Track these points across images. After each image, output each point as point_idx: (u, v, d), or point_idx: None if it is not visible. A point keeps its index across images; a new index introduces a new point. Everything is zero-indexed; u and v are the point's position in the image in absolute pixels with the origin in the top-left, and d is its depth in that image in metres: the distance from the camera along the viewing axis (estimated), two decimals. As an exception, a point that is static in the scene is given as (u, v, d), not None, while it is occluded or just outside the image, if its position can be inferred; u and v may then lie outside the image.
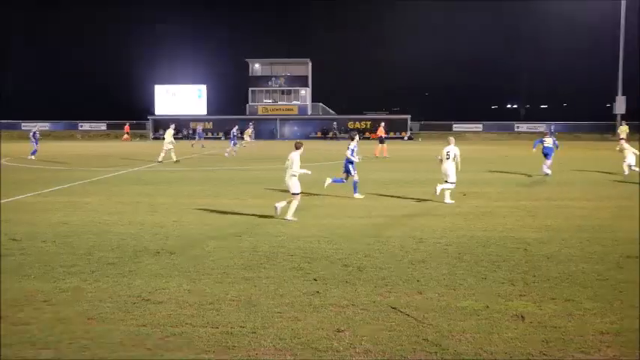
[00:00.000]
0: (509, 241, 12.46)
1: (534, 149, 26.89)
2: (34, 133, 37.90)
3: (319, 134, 76.57)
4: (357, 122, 75.84)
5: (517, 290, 9.09)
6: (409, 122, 76.76)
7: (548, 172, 25.32)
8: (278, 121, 78.95)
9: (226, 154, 40.05)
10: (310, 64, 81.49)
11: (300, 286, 9.35)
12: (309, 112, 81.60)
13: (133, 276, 9.93)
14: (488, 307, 8.29)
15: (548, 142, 25.92)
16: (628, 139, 36.01)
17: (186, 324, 7.71)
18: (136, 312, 8.17)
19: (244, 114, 79.16)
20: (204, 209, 16.70)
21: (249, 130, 47.22)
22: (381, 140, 39.02)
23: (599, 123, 76.17)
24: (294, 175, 15.06)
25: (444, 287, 9.25)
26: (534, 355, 6.75)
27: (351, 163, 19.13)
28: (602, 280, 9.61)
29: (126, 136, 72.41)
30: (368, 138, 66.82)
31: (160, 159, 34.10)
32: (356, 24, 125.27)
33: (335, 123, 74.24)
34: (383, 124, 40.52)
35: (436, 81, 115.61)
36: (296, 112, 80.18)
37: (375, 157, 37.43)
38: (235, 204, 17.71)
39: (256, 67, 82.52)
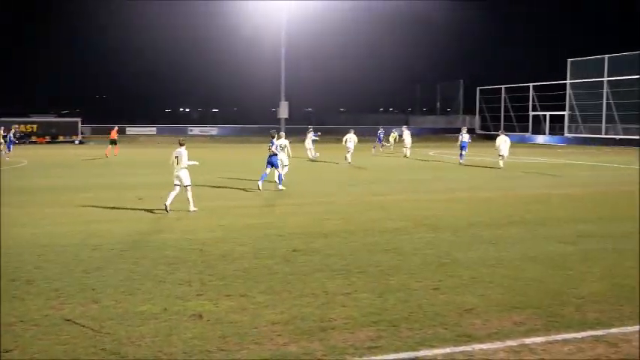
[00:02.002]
0: (185, 243, 12.65)
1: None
2: None
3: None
4: (22, 125, 70.51)
5: (194, 290, 9.27)
6: (80, 126, 73.61)
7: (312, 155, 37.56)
8: None
9: (7, 158, 37.74)
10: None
11: (-41, 306, 8.45)
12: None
13: None
14: (166, 309, 8.33)
15: (309, 136, 38.28)
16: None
17: None
18: None
19: None
20: None
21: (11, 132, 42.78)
22: (113, 142, 42.49)
23: (266, 126, 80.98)
24: (185, 168, 16.74)
25: (120, 294, 9.07)
26: (212, 351, 6.94)
27: (276, 155, 21.59)
28: (272, 274, 10.24)
29: None
30: (35, 142, 62.86)
31: None
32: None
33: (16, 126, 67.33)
34: (116, 127, 44.47)
35: (109, 84, 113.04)
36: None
37: (106, 157, 40.27)
38: None
39: None
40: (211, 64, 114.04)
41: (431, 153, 46.54)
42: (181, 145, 17.00)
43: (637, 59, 63.49)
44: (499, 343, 7.23)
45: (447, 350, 7.01)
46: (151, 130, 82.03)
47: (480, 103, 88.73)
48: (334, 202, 19.13)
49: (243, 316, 8.09)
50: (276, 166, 21.79)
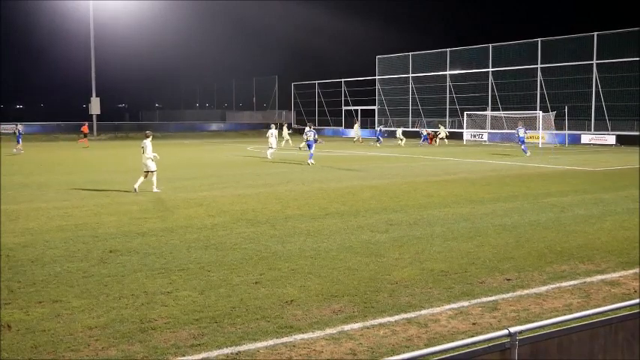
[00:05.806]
0: (-11, 249, 11.78)
1: None
2: None
3: None
4: None
5: (2, 300, 8.65)
6: None
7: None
8: None
9: None
10: None
11: None
12: None
13: None
14: (-31, 322, 7.72)
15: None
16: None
17: None
18: None
19: None
20: None
21: None
22: None
23: (77, 123, 77.55)
24: (150, 157, 19.88)
25: None
26: (24, 362, 6.55)
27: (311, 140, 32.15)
28: (87, 277, 9.82)
29: None
30: None
31: None
32: None
33: None
34: None
35: None
36: None
37: None
38: None
39: None
40: (13, 58, 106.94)
41: (249, 148, 46.83)
42: (147, 136, 20.39)
43: (438, 57, 68.17)
44: (319, 331, 7.46)
45: (270, 342, 7.12)
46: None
47: (294, 98, 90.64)
48: (150, 200, 18.67)
49: (57, 323, 7.69)
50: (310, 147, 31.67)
